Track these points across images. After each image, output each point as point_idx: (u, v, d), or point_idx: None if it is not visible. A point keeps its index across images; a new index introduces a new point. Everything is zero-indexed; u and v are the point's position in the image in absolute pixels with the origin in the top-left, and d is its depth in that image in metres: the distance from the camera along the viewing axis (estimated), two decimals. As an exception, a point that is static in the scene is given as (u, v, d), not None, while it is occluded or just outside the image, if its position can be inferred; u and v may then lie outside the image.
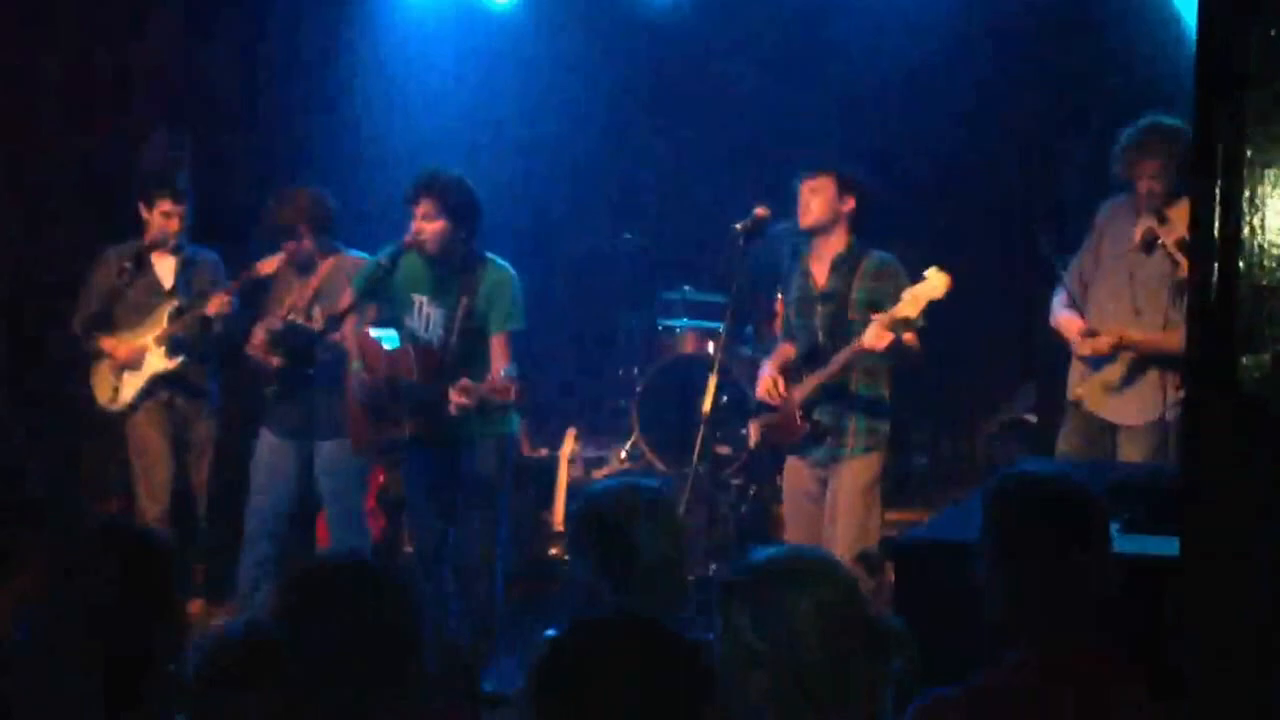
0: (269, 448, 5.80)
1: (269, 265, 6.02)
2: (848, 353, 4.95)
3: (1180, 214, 4.98)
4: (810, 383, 5.12)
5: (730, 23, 7.80)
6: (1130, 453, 5.20)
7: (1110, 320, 5.21)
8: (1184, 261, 4.85)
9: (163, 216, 6.20)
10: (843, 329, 5.07)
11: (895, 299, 4.88)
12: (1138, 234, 5.12)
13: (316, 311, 5.65)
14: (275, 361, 5.64)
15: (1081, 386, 5.31)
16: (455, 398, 4.89)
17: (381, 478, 6.92)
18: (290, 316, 5.65)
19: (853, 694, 2.29)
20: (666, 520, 3.04)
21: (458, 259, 5.19)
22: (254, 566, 5.71)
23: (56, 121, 7.10)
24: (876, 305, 4.95)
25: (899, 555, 3.70)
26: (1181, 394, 4.88)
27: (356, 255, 5.75)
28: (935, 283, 4.77)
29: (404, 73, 7.76)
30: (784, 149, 7.36)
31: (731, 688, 2.28)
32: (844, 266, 5.12)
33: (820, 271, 5.17)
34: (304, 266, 5.82)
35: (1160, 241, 5.05)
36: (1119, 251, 5.23)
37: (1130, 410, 5.20)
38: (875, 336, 4.79)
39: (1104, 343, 5.13)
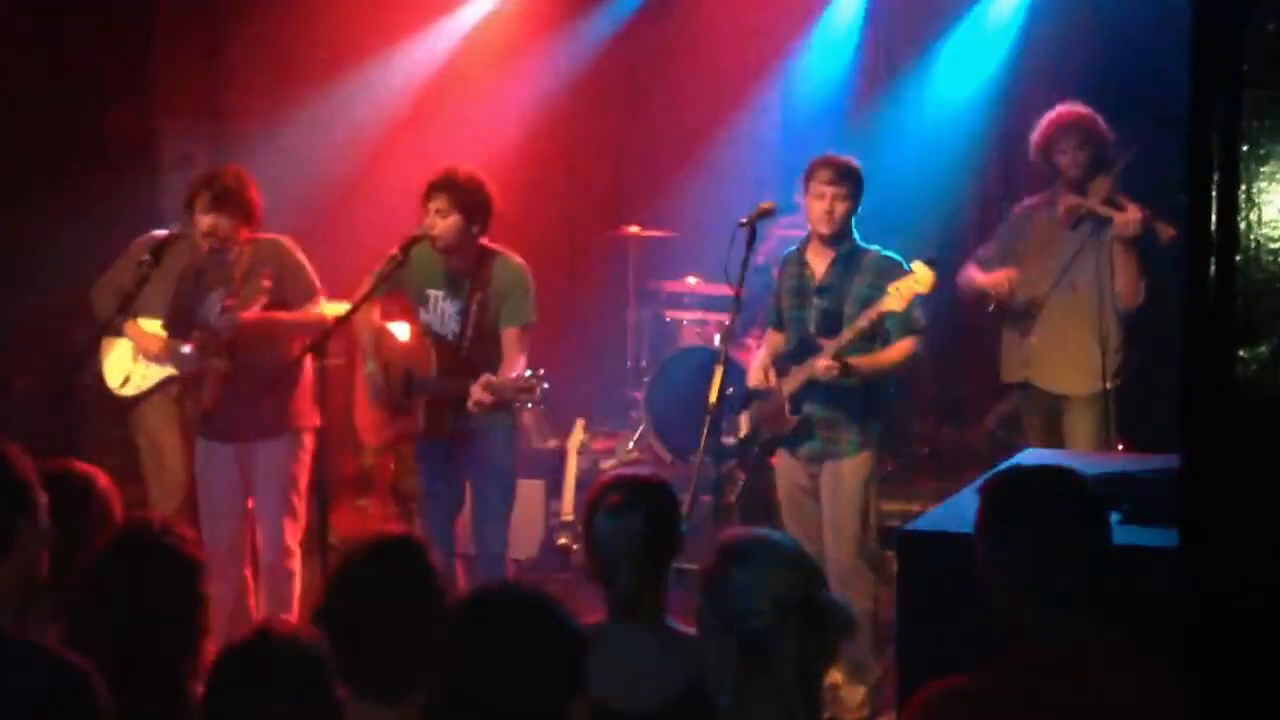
0: (208, 458, 5.48)
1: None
2: (830, 350, 4.99)
3: (1098, 187, 5.43)
4: (798, 376, 5.13)
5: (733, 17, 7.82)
6: (1078, 423, 5.52)
7: (1046, 300, 5.55)
8: (1113, 213, 5.35)
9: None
10: (835, 324, 5.07)
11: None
12: (1062, 210, 5.51)
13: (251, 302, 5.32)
14: (223, 367, 5.35)
15: (1028, 368, 5.63)
16: (478, 395, 4.91)
17: (391, 467, 6.96)
18: (230, 305, 5.30)
19: (792, 666, 2.41)
20: (614, 515, 3.14)
21: (470, 254, 5.22)
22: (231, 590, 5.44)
23: (84, 106, 7.12)
24: (874, 304, 4.97)
25: (902, 546, 3.71)
26: (1118, 363, 5.41)
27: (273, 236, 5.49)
28: (920, 277, 4.84)
29: (413, 60, 7.78)
30: (787, 140, 7.42)
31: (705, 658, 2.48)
32: (846, 261, 5.12)
33: (820, 265, 5.17)
34: (219, 254, 5.42)
35: (1086, 208, 5.44)
36: (1044, 234, 5.60)
37: (1075, 381, 5.51)
38: (857, 330, 4.93)
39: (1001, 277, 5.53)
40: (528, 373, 4.93)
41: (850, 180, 5.08)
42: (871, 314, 4.86)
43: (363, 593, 2.72)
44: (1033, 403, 5.72)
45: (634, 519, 3.09)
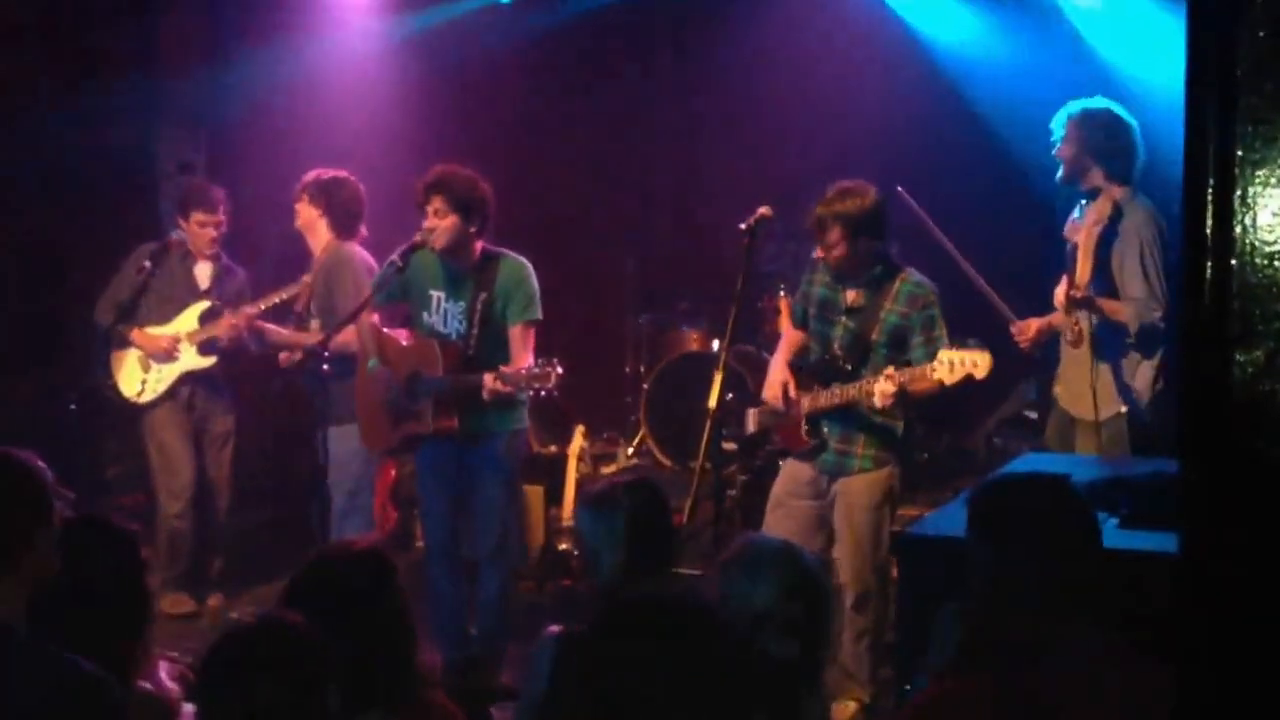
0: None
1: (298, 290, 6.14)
2: (853, 394, 4.89)
3: (1094, 210, 5.12)
4: (818, 400, 5.04)
5: (737, 25, 7.84)
6: (1085, 448, 5.22)
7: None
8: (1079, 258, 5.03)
9: (198, 226, 6.29)
10: (863, 349, 4.98)
11: (924, 331, 4.84)
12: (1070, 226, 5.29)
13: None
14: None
15: (1058, 384, 5.40)
16: (491, 384, 4.92)
17: (393, 472, 6.95)
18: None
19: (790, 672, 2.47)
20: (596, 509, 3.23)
21: (471, 254, 5.23)
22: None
23: (76, 113, 7.14)
24: (902, 333, 4.90)
25: (903, 550, 3.73)
26: (1140, 386, 5.12)
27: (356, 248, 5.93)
28: (978, 360, 4.60)
29: (413, 70, 7.80)
30: (790, 150, 7.42)
31: None
32: (875, 285, 5.00)
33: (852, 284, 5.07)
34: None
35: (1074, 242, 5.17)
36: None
37: (1087, 405, 5.18)
38: (883, 396, 4.71)
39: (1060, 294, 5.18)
40: (540, 360, 4.95)
41: (839, 222, 4.90)
42: (906, 377, 4.71)
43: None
44: (1054, 420, 5.51)
45: (616, 513, 3.12)
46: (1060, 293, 5.12)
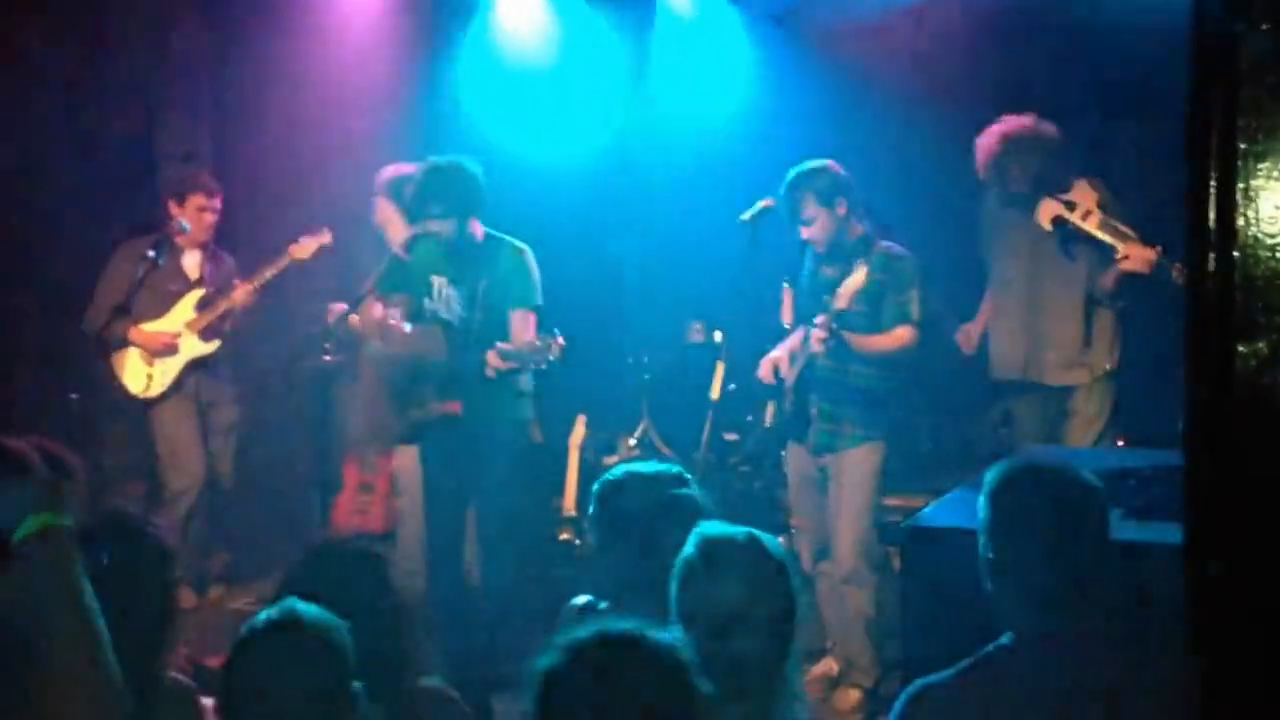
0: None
1: (304, 249, 6.17)
2: (798, 340, 4.97)
3: (1082, 195, 5.31)
4: (796, 369, 5.13)
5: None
6: (1084, 407, 5.42)
7: (1014, 297, 5.51)
8: (1104, 237, 5.21)
9: (197, 211, 6.31)
10: (840, 320, 5.01)
11: (895, 294, 4.92)
12: (1045, 218, 5.36)
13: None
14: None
15: (1022, 358, 5.54)
16: (495, 361, 4.94)
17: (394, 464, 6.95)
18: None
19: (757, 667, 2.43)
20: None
21: (473, 240, 5.23)
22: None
23: (74, 110, 7.14)
24: (880, 297, 4.93)
25: (908, 540, 3.73)
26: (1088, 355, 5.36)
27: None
28: None
29: (416, 60, 7.79)
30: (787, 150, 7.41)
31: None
32: (855, 257, 5.05)
33: (833, 266, 5.12)
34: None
35: (1074, 226, 5.30)
36: (1011, 237, 5.49)
37: (1079, 369, 5.44)
38: (816, 340, 4.88)
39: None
40: (540, 334, 4.96)
41: (822, 202, 5.00)
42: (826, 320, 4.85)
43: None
44: (1030, 397, 5.63)
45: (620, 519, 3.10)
46: (1148, 254, 5.12)
